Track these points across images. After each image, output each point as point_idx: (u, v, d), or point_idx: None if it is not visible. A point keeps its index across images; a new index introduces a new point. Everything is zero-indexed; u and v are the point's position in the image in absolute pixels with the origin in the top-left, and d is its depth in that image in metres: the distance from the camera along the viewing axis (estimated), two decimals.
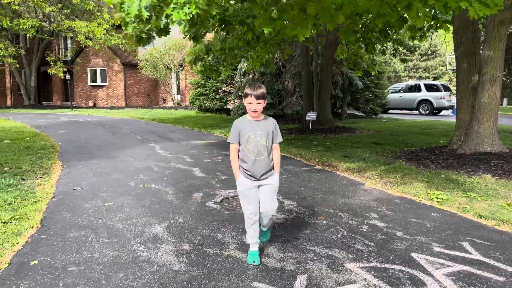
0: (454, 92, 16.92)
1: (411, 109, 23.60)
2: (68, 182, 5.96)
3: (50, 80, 33.79)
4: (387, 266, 3.23)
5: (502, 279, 3.02)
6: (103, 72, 30.81)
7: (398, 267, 3.22)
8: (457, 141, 7.85)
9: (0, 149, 8.70)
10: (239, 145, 3.26)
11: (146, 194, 5.29)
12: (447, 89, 22.98)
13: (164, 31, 5.65)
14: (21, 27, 23.66)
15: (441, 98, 22.10)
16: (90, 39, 25.61)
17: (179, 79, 30.09)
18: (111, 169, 6.89)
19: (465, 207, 4.84)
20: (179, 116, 18.58)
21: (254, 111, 3.20)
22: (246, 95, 3.20)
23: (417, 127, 13.84)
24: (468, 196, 5.25)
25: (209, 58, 11.05)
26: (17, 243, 3.59)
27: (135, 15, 4.61)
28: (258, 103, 3.17)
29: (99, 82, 30.84)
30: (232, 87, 19.51)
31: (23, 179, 5.91)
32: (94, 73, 30.92)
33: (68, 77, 25.55)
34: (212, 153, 8.80)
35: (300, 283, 2.93)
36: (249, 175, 3.27)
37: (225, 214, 4.55)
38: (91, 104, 31.10)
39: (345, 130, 12.69)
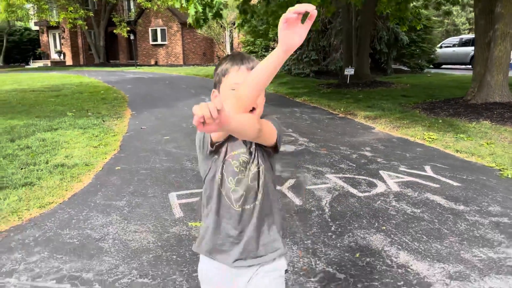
0: None
1: (464, 64, 23.22)
2: (137, 123, 7.68)
3: (117, 40, 36.40)
4: (356, 176, 4.53)
5: (436, 185, 4.22)
6: (163, 31, 32.72)
7: (364, 177, 4.50)
8: (471, 92, 8.60)
9: (83, 99, 10.70)
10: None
11: (193, 132, 6.80)
12: None
13: (217, 15, 7.31)
14: None
15: None
16: (149, 1, 27.33)
17: (232, 38, 31.31)
18: (168, 115, 8.55)
19: (449, 145, 5.90)
20: None
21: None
22: (225, 72, 1.37)
23: (456, 82, 14.22)
24: (457, 137, 6.27)
25: (254, 21, 12.18)
26: (105, 158, 5.29)
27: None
28: None
29: (159, 42, 32.88)
30: None
31: (103, 121, 7.71)
32: (155, 32, 32.93)
33: (132, 37, 27.70)
34: None
35: (289, 182, 4.33)
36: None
37: None
38: (152, 62, 33.39)
39: (382, 84, 13.47)
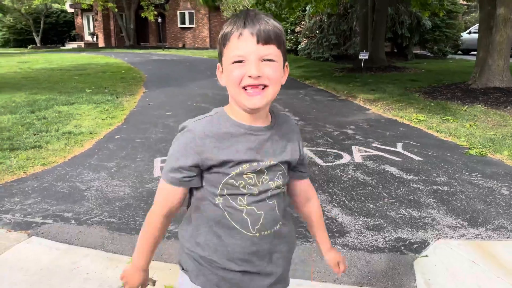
0: None
1: None
2: (146, 100, 8.28)
3: (147, 22, 37.32)
4: (328, 150, 4.92)
5: (398, 159, 4.57)
6: (191, 15, 33.31)
7: (334, 150, 4.89)
8: (473, 77, 8.70)
9: (104, 78, 11.44)
10: (190, 197, 1.20)
11: (196, 109, 7.39)
12: None
13: None
14: None
15: None
16: None
17: None
18: (178, 93, 9.11)
19: (432, 125, 6.16)
20: None
21: (254, 87, 1.04)
22: (226, 39, 1.05)
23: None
24: (443, 119, 6.51)
25: (267, 4, 12.49)
26: (109, 129, 5.89)
27: None
28: (268, 59, 1.03)
29: (187, 25, 33.53)
30: (302, 28, 20.63)
31: (116, 97, 8.35)
32: (183, 16, 33.59)
33: (160, 20, 28.45)
34: None
35: None
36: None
37: None
38: (180, 45, 34.13)
39: (396, 69, 13.54)
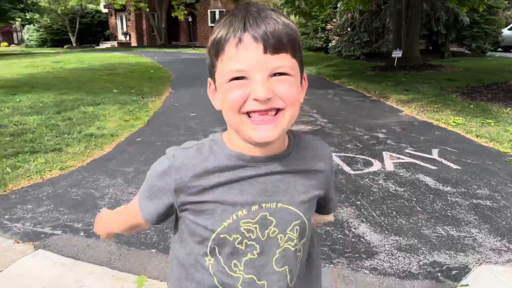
0: None
1: None
2: (172, 101, 8.16)
3: (178, 22, 37.65)
4: (357, 156, 4.61)
5: (433, 167, 4.20)
6: (221, 13, 33.32)
7: (364, 157, 4.57)
8: None
9: (132, 78, 11.46)
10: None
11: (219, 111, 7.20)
12: None
13: None
14: None
15: None
16: None
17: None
18: (203, 94, 8.84)
19: (471, 130, 5.72)
20: None
21: (263, 113, 0.76)
22: (219, 47, 0.76)
23: None
24: (484, 122, 6.04)
25: (297, 2, 12.18)
26: (131, 131, 5.78)
27: None
28: (281, 73, 0.75)
29: None
30: (333, 25, 20.15)
31: (142, 98, 8.28)
32: (213, 15, 33.65)
33: (190, 19, 28.56)
34: None
35: None
36: None
37: None
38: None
39: (431, 68, 12.93)
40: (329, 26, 20.49)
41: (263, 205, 0.82)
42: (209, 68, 0.82)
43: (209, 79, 0.85)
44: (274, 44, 0.73)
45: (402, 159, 4.50)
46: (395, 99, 8.12)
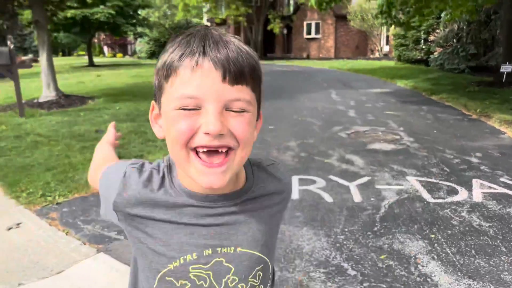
0: None
1: None
2: None
3: (274, 34, 38.45)
4: (440, 182, 4.16)
5: None
6: (317, 25, 33.25)
7: (449, 183, 4.11)
8: None
9: None
10: None
11: (299, 123, 7.10)
12: None
13: None
14: None
15: None
16: None
17: (389, 29, 29.94)
18: (286, 106, 8.92)
19: None
20: (375, 67, 19.33)
21: (213, 151, 0.67)
22: (171, 69, 0.67)
23: None
24: None
25: (394, 12, 11.61)
26: None
27: None
28: (237, 110, 0.67)
29: (313, 35, 33.53)
30: (435, 36, 18.86)
31: None
32: (309, 26, 33.70)
33: (285, 31, 28.96)
34: (378, 100, 9.84)
35: (362, 179, 4.25)
36: None
37: (346, 140, 5.94)
38: (304, 55, 34.27)
39: None
40: (431, 37, 19.23)
41: (218, 249, 0.72)
42: (155, 91, 0.72)
43: (153, 102, 0.75)
44: (235, 73, 0.65)
45: (494, 189, 3.95)
46: (499, 118, 7.25)
